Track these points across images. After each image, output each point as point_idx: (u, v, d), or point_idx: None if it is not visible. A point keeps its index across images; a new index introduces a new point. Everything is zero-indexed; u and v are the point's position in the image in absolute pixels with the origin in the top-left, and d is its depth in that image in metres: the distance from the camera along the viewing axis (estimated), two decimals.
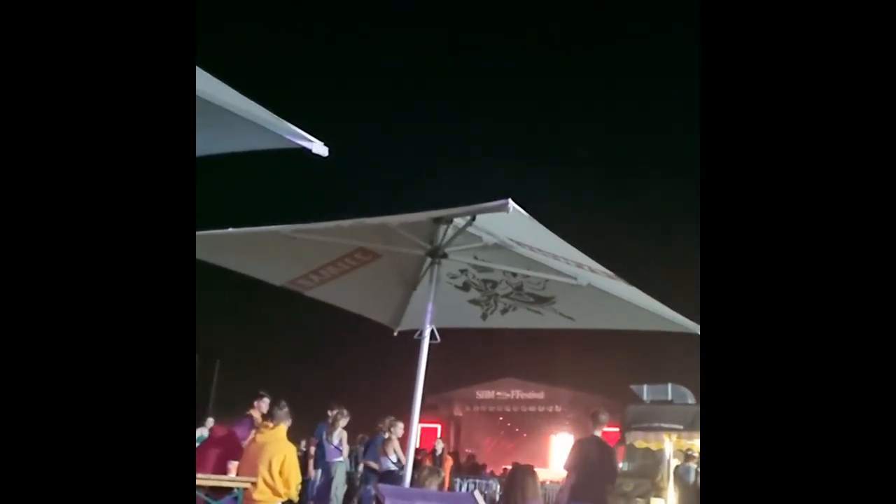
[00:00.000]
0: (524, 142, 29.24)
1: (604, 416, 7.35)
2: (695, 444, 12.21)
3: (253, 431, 7.00)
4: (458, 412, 25.26)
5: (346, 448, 9.38)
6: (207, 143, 2.19)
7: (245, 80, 2.59)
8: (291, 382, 15.40)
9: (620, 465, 13.26)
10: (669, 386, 13.92)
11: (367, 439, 10.56)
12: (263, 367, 20.19)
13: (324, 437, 9.32)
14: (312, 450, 9.79)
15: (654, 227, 23.56)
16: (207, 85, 2.05)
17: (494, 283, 4.77)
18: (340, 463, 9.26)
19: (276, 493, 5.85)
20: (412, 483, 4.61)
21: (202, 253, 3.94)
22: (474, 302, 4.97)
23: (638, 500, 12.56)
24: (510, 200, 3.15)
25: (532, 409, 25.00)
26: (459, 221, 4.00)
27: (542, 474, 10.61)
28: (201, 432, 9.50)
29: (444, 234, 4.23)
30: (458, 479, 14.43)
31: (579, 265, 4.09)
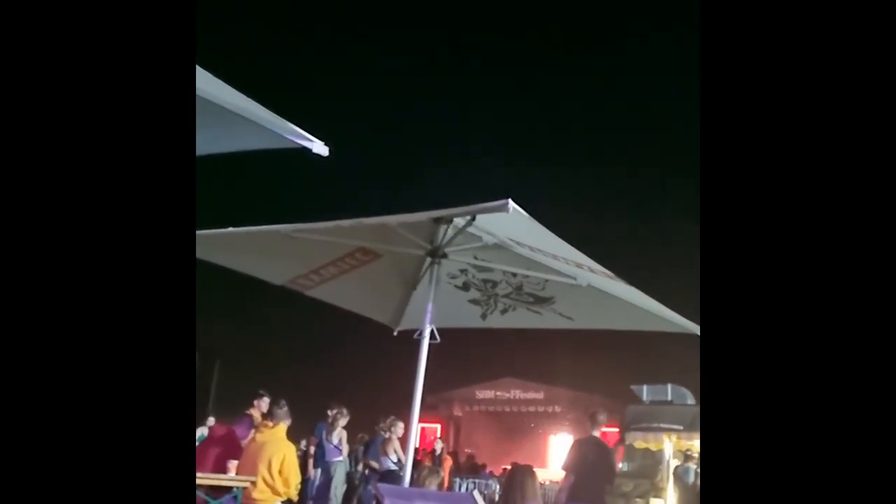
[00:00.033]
0: (524, 142, 29.25)
1: (602, 417, 7.37)
2: (694, 444, 12.22)
3: (252, 431, 7.01)
4: (457, 412, 25.26)
5: (345, 447, 9.39)
6: (208, 142, 2.19)
7: (245, 79, 2.59)
8: (291, 382, 15.40)
9: (620, 465, 13.29)
10: (669, 386, 13.93)
11: (366, 439, 10.57)
12: (263, 367, 20.19)
13: (323, 436, 9.32)
14: (312, 449, 9.79)
15: (654, 227, 23.56)
16: (208, 84, 2.06)
17: (494, 283, 4.77)
18: (340, 462, 9.27)
19: (275, 492, 5.85)
20: (411, 483, 4.61)
21: (202, 252, 3.94)
22: (474, 302, 4.97)
23: (637, 500, 12.57)
24: (510, 200, 3.15)
25: (532, 409, 25.00)
26: (459, 221, 4.00)
27: (542, 474, 10.61)
28: (201, 431, 9.50)
29: (444, 234, 4.23)
30: (458, 479, 14.42)
31: (579, 265, 4.09)
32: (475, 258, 4.49)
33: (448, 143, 27.99)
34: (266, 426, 6.26)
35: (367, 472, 9.78)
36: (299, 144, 2.29)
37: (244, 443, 6.61)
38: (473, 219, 3.84)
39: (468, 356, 19.71)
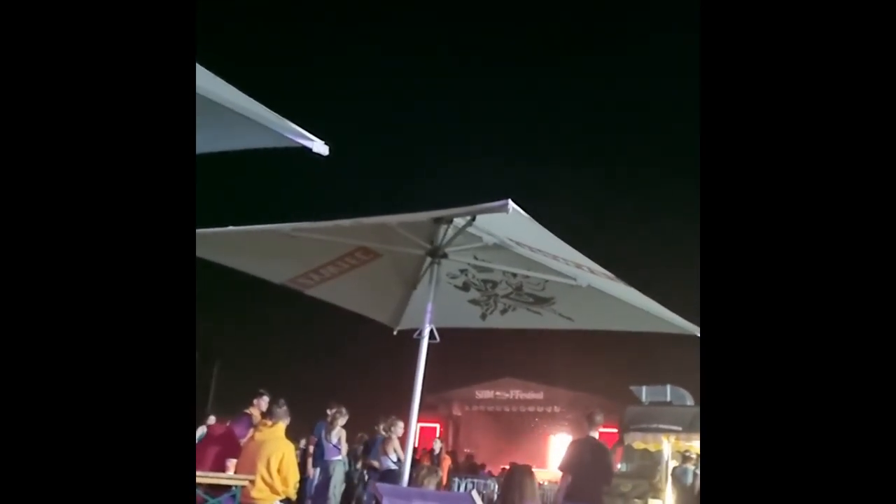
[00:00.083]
0: (524, 142, 29.26)
1: (599, 417, 7.38)
2: (692, 445, 12.22)
3: (251, 429, 7.01)
4: (457, 412, 25.25)
5: (344, 447, 9.38)
6: (208, 141, 2.19)
7: (245, 79, 2.59)
8: (291, 381, 15.40)
9: (619, 465, 13.29)
10: (668, 387, 13.94)
11: (365, 438, 10.57)
12: (263, 366, 20.20)
13: (322, 435, 9.32)
14: (311, 448, 9.79)
15: (655, 228, 23.57)
16: (208, 83, 2.05)
17: (494, 284, 4.77)
18: (339, 462, 9.26)
19: (274, 491, 5.85)
20: (410, 482, 4.60)
21: (202, 251, 3.93)
22: (474, 302, 4.97)
23: (636, 500, 12.58)
24: (510, 201, 3.15)
25: (531, 409, 24.97)
26: (459, 221, 4.00)
27: (541, 475, 10.62)
28: (200, 430, 9.50)
29: (445, 234, 4.23)
30: (457, 479, 14.42)
31: (579, 266, 4.09)
32: (475, 258, 4.49)
33: (448, 143, 28.01)
34: (265, 425, 6.27)
35: (365, 471, 9.78)
36: (299, 144, 2.29)
37: (243, 442, 6.62)
38: (473, 219, 3.84)
39: (468, 356, 19.71)
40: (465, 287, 4.84)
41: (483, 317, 5.06)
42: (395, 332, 5.22)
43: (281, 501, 6.00)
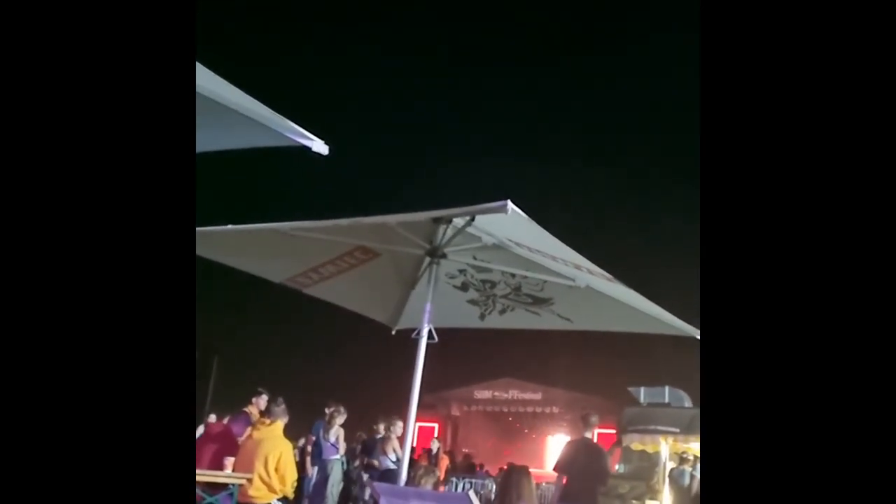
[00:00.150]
0: (524, 142, 29.26)
1: (594, 418, 7.39)
2: (690, 447, 12.22)
3: (249, 428, 7.01)
4: (455, 411, 25.26)
5: (342, 445, 9.38)
6: (208, 139, 2.19)
7: (246, 78, 2.59)
8: (289, 380, 15.41)
9: (617, 466, 13.30)
10: (666, 389, 13.93)
11: (364, 437, 10.56)
12: (262, 364, 20.20)
13: (320, 434, 9.32)
14: (309, 447, 9.78)
15: (655, 229, 23.57)
16: (208, 81, 2.06)
17: (493, 284, 4.78)
18: (337, 460, 9.26)
19: (271, 489, 5.85)
20: (408, 482, 4.61)
21: (201, 249, 3.93)
22: (472, 302, 4.97)
23: (633, 502, 12.57)
24: (509, 202, 3.15)
25: (530, 409, 24.98)
26: (458, 221, 4.00)
27: (539, 475, 10.62)
28: (198, 428, 9.50)
29: (444, 234, 4.23)
30: (454, 479, 14.42)
31: (577, 267, 4.09)
32: (474, 258, 4.49)
33: (448, 143, 28.01)
34: (263, 423, 6.26)
35: (362, 471, 9.78)
36: (299, 143, 2.29)
37: (240, 440, 6.61)
38: (473, 219, 3.85)
39: (466, 356, 19.72)
40: (464, 287, 4.85)
41: (482, 317, 5.07)
42: (393, 332, 5.23)
43: (278, 500, 5.99)
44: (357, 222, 4.09)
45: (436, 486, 4.78)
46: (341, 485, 9.46)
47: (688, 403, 13.50)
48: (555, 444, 23.80)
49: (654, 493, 12.57)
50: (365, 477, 9.12)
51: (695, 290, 1.93)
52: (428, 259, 4.42)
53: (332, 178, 21.95)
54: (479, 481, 14.94)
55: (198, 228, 2.45)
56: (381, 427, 9.67)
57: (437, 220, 4.13)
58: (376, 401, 14.46)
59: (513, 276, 4.60)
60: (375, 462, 9.37)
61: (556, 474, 7.34)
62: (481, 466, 18.05)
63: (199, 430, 8.97)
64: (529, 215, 3.38)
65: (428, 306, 4.27)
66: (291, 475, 6.00)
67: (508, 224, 3.73)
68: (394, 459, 9.12)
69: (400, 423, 9.19)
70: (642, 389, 14.22)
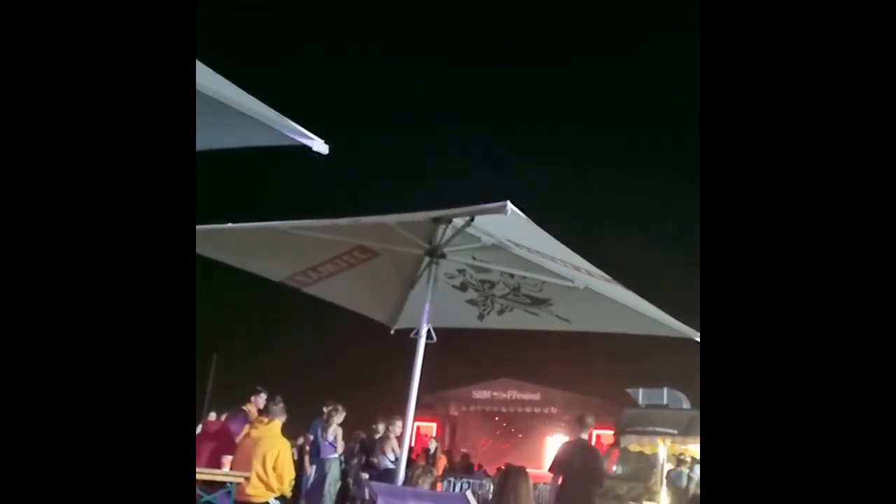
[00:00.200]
0: (525, 142, 29.26)
1: (590, 420, 7.41)
2: (688, 448, 12.22)
3: (247, 426, 7.01)
4: (453, 411, 25.26)
5: (340, 444, 9.38)
6: (207, 138, 2.19)
7: (246, 77, 2.60)
8: (288, 378, 15.41)
9: (614, 468, 13.30)
10: (665, 390, 13.92)
11: (362, 436, 10.55)
12: (260, 363, 20.20)
13: (319, 433, 9.31)
14: (308, 446, 9.78)
15: (655, 230, 23.57)
16: (208, 80, 2.06)
17: (492, 284, 4.78)
18: (335, 459, 9.26)
19: (269, 488, 5.85)
20: (405, 481, 4.61)
21: (201, 248, 3.93)
22: (471, 302, 4.98)
23: (630, 503, 12.57)
24: (508, 202, 3.16)
25: (528, 409, 24.98)
26: (458, 222, 4.01)
27: (537, 475, 10.63)
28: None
29: (443, 234, 4.23)
30: (452, 479, 14.42)
31: (576, 268, 4.10)
32: (473, 258, 4.49)
33: (448, 144, 28.01)
34: (261, 422, 6.26)
35: (361, 470, 9.77)
36: (299, 142, 2.30)
37: (238, 438, 6.62)
38: (472, 219, 3.85)
39: (465, 356, 19.72)
40: (463, 287, 4.85)
41: (480, 317, 5.07)
42: (392, 332, 5.23)
43: (276, 499, 5.99)
44: (356, 222, 4.09)
45: (433, 485, 4.79)
46: (339, 484, 9.45)
47: (686, 405, 13.49)
48: (553, 445, 23.80)
49: (651, 495, 12.55)
50: (365, 476, 9.11)
51: (695, 291, 1.93)
52: (427, 259, 4.43)
53: (332, 178, 21.96)
54: (477, 481, 14.94)
55: (197, 227, 2.46)
56: (381, 427, 9.66)
57: (436, 220, 4.13)
58: (374, 400, 14.46)
59: (512, 276, 4.61)
60: (374, 461, 9.36)
61: (552, 475, 7.36)
62: (480, 466, 18.04)
63: (197, 429, 8.97)
64: (529, 216, 3.39)
65: (427, 306, 4.27)
66: (289, 474, 6.00)
67: (508, 224, 3.74)
68: (392, 459, 9.12)
69: (399, 423, 9.19)
70: (641, 391, 14.21)
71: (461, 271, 4.72)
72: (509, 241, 4.06)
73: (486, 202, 3.37)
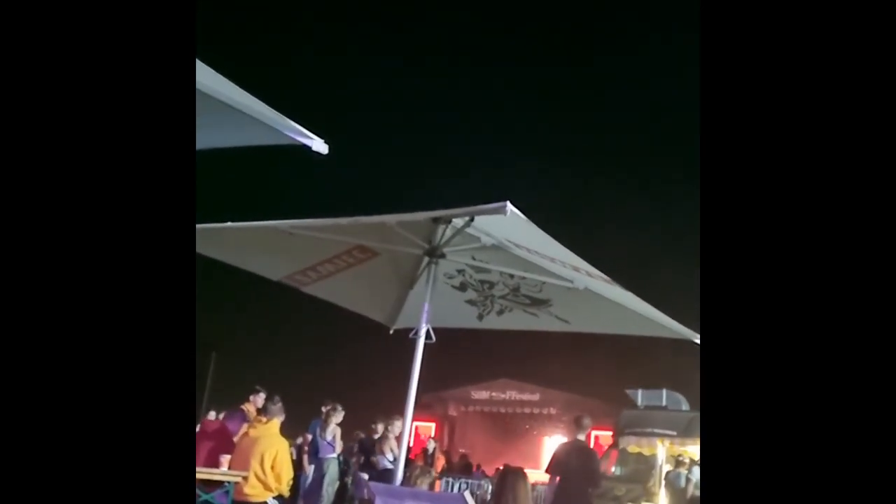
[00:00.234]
0: (525, 142, 29.27)
1: (586, 421, 7.42)
2: (686, 450, 12.22)
3: (245, 425, 7.01)
4: (452, 411, 25.26)
5: (339, 444, 9.37)
6: (207, 137, 2.19)
7: (246, 77, 2.59)
8: (287, 378, 15.41)
9: (613, 469, 13.29)
10: (664, 391, 13.91)
11: (361, 436, 10.55)
12: (259, 362, 20.20)
13: (317, 432, 9.31)
14: (307, 446, 9.78)
15: (654, 231, 23.58)
16: (208, 79, 2.06)
17: (491, 284, 4.78)
18: (333, 459, 9.25)
19: (267, 487, 5.85)
20: (403, 482, 4.61)
21: (200, 246, 3.93)
22: (471, 302, 4.97)
23: None
24: (508, 203, 3.16)
25: (527, 410, 24.99)
26: (458, 222, 4.00)
27: (535, 476, 10.63)
28: None
29: (443, 234, 4.23)
30: (450, 479, 14.42)
31: (576, 269, 4.10)
32: (473, 259, 4.49)
33: (448, 144, 28.02)
34: (260, 421, 6.26)
35: (360, 470, 9.77)
36: (299, 142, 2.29)
37: (236, 438, 6.61)
38: (472, 220, 3.85)
39: (464, 356, 19.73)
40: (463, 287, 4.85)
41: (480, 317, 5.07)
42: (391, 332, 5.23)
43: (274, 498, 5.99)
44: (356, 221, 4.09)
45: (432, 486, 4.78)
46: (337, 483, 9.45)
47: (685, 406, 13.49)
48: (552, 446, 23.79)
49: (650, 496, 12.55)
50: (365, 477, 9.11)
51: (694, 292, 1.93)
52: (427, 259, 4.43)
53: (332, 178, 21.96)
54: (476, 482, 14.94)
55: (197, 226, 2.46)
56: (380, 427, 9.66)
57: (436, 220, 4.13)
58: (373, 400, 14.44)
59: (511, 276, 4.60)
60: (373, 460, 9.36)
61: (549, 476, 7.38)
62: (478, 467, 18.04)
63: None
64: (528, 216, 3.39)
65: (426, 306, 4.27)
66: (287, 473, 6.00)
67: (507, 225, 3.74)
68: (391, 459, 9.11)
69: (398, 423, 9.19)
70: (640, 392, 14.20)
71: (461, 271, 4.72)
72: (509, 241, 4.06)
73: (486, 202, 3.37)
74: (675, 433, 12.63)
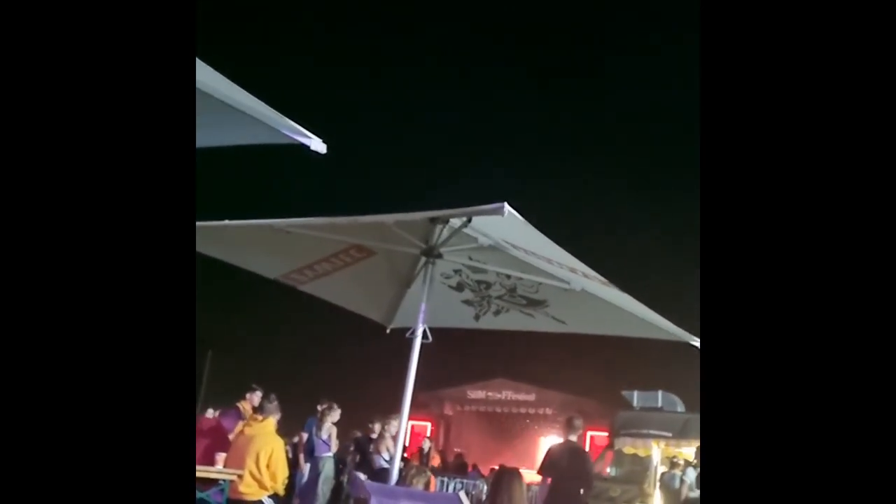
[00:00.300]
0: (524, 142, 29.29)
1: (578, 422, 7.45)
2: (681, 451, 12.23)
3: (240, 423, 7.00)
4: (448, 411, 25.26)
5: (334, 443, 9.37)
6: (204, 135, 2.19)
7: (245, 76, 2.59)
8: (283, 376, 15.39)
9: (608, 470, 13.31)
10: (660, 393, 13.93)
11: (358, 435, 10.55)
12: (255, 361, 20.18)
13: (313, 431, 9.30)
14: (302, 445, 9.77)
15: (654, 232, 23.58)
16: (206, 77, 2.05)
17: (488, 285, 4.78)
18: (328, 458, 9.25)
19: (262, 486, 5.85)
20: (399, 481, 4.61)
21: (197, 244, 3.93)
22: (467, 302, 4.98)
23: None
24: (506, 204, 3.16)
25: (523, 410, 24.99)
26: (455, 222, 4.01)
27: (531, 476, 10.64)
28: None
29: (440, 234, 4.24)
30: (445, 479, 14.42)
31: (573, 270, 4.10)
32: (470, 259, 4.49)
33: (447, 144, 28.03)
34: (255, 420, 6.26)
35: (356, 469, 9.77)
36: (297, 141, 2.29)
37: (231, 435, 6.61)
38: (469, 220, 3.85)
39: (461, 356, 19.73)
40: (459, 287, 4.85)
41: (476, 317, 5.07)
42: (387, 331, 5.23)
43: (269, 497, 5.99)
44: (354, 220, 4.09)
45: (427, 485, 4.78)
46: (332, 482, 9.45)
47: (680, 408, 13.51)
48: (547, 446, 23.77)
49: (645, 497, 12.57)
50: (362, 476, 9.11)
51: (693, 294, 1.92)
52: (424, 259, 4.43)
53: (330, 177, 21.96)
54: (471, 482, 14.94)
55: None
56: (377, 426, 9.66)
57: (433, 220, 4.14)
58: (369, 399, 14.45)
59: (508, 277, 4.61)
60: (370, 459, 9.35)
61: (541, 477, 7.39)
62: (474, 466, 18.04)
63: None
64: (526, 218, 3.39)
65: (423, 306, 4.27)
66: (283, 472, 6.00)
67: (505, 226, 3.74)
68: (387, 458, 9.11)
69: (395, 423, 9.18)
70: (636, 393, 14.21)
71: (457, 271, 4.72)
72: (506, 242, 4.06)
73: (483, 203, 3.37)
74: (670, 434, 12.65)
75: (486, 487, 13.86)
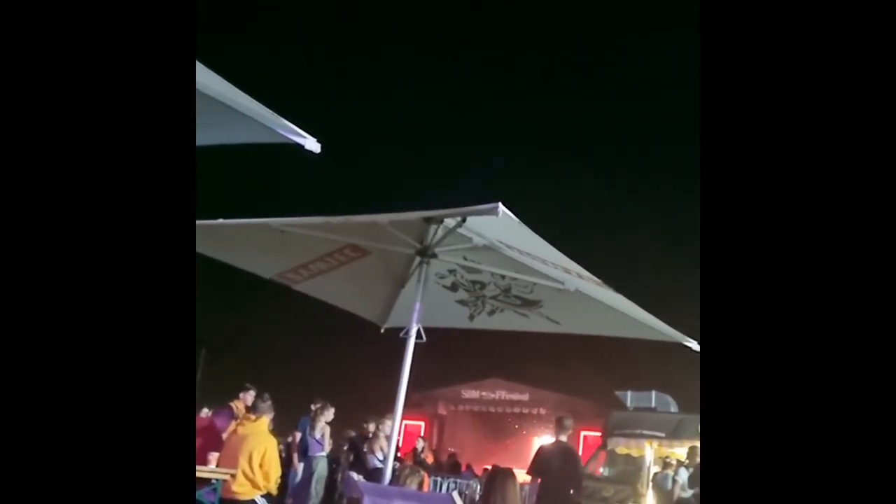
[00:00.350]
0: (524, 143, 29.30)
1: (568, 422, 7.47)
2: (674, 452, 12.27)
3: (233, 423, 6.99)
4: (442, 411, 25.26)
5: (328, 442, 9.36)
6: (201, 134, 2.19)
7: (243, 76, 2.59)
8: (277, 376, 15.37)
9: (601, 470, 13.34)
10: (653, 393, 13.96)
11: (352, 435, 10.55)
12: (250, 360, 20.16)
13: (307, 430, 9.30)
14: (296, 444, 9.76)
15: (654, 233, 23.61)
16: (203, 77, 2.05)
17: (482, 285, 4.79)
18: (322, 457, 9.25)
19: (255, 485, 5.84)
20: (392, 481, 4.61)
21: None
22: (462, 302, 4.98)
23: None
24: (500, 204, 3.17)
25: (517, 410, 25.01)
26: (450, 222, 4.01)
27: (524, 476, 10.65)
28: None
29: (434, 234, 4.24)
30: (439, 479, 14.41)
31: (567, 270, 4.11)
32: (464, 259, 4.50)
33: (444, 144, 28.04)
34: (249, 419, 6.25)
35: (349, 469, 9.76)
36: (292, 140, 2.30)
37: (224, 435, 6.60)
38: (464, 220, 3.85)
39: (455, 356, 19.72)
40: (454, 287, 4.85)
41: (471, 317, 5.08)
42: (382, 331, 5.23)
43: (262, 496, 5.98)
44: (348, 220, 4.09)
45: (420, 485, 4.79)
46: (326, 482, 9.45)
47: (674, 408, 13.54)
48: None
49: (637, 497, 12.60)
50: (356, 476, 9.11)
51: (692, 295, 1.92)
52: (418, 258, 4.43)
53: (325, 177, 21.94)
54: (465, 482, 14.94)
55: None
56: (371, 426, 9.66)
57: (428, 220, 4.14)
58: (363, 399, 14.44)
59: (502, 277, 4.61)
60: (364, 458, 9.35)
61: (531, 477, 7.41)
62: (468, 466, 18.05)
63: None
64: (521, 218, 3.39)
65: (417, 306, 4.27)
66: (275, 472, 5.99)
67: (499, 226, 3.74)
68: (381, 458, 9.10)
69: (389, 423, 9.17)
70: (629, 393, 14.24)
71: (452, 271, 4.73)
72: (500, 242, 4.07)
73: (478, 203, 3.37)
74: (663, 435, 12.68)
75: (479, 487, 13.86)
